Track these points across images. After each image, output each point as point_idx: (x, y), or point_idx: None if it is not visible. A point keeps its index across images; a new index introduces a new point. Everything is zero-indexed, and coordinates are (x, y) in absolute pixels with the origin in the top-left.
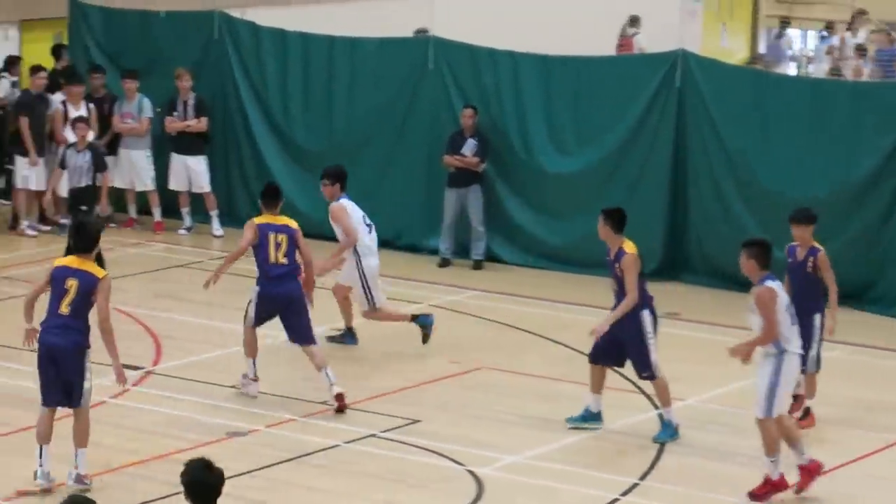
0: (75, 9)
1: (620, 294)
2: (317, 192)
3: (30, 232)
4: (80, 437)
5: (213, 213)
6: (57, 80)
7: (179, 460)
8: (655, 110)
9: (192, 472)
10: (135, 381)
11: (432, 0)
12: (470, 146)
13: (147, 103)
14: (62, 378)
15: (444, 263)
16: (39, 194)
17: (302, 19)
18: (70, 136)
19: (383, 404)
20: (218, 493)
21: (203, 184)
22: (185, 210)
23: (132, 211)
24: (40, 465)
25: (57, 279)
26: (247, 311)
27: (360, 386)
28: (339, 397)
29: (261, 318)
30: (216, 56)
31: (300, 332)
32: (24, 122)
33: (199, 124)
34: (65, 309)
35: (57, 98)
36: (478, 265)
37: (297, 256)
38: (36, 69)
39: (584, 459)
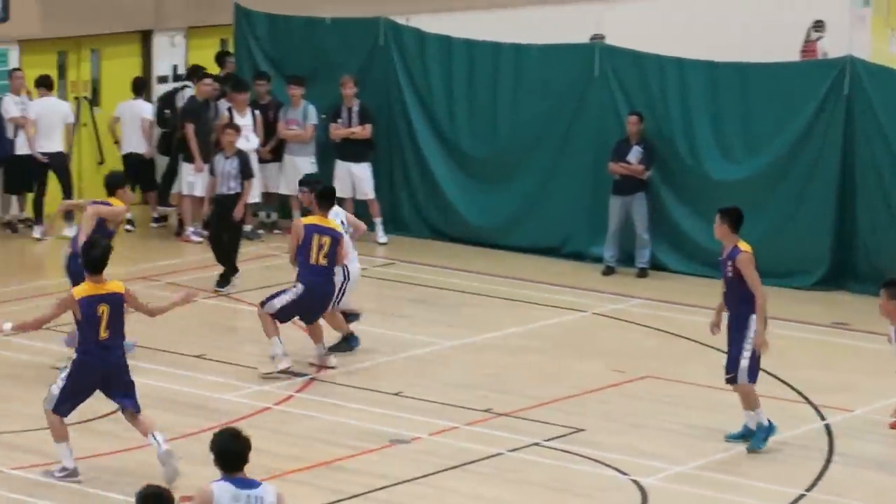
0: (241, 16)
1: (730, 296)
2: (482, 198)
3: (194, 238)
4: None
5: (377, 220)
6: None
7: (343, 468)
8: (823, 117)
9: (220, 441)
10: (298, 387)
11: (602, 6)
12: (635, 153)
13: (312, 110)
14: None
15: (609, 271)
16: (204, 201)
17: (468, 25)
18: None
19: (547, 413)
20: (245, 459)
21: (367, 190)
22: None
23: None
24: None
25: (87, 307)
26: (273, 298)
27: (523, 394)
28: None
29: (288, 313)
30: (381, 63)
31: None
32: (189, 129)
33: (363, 131)
34: (104, 333)
35: (223, 105)
36: (642, 273)
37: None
38: (203, 76)
39: (749, 470)
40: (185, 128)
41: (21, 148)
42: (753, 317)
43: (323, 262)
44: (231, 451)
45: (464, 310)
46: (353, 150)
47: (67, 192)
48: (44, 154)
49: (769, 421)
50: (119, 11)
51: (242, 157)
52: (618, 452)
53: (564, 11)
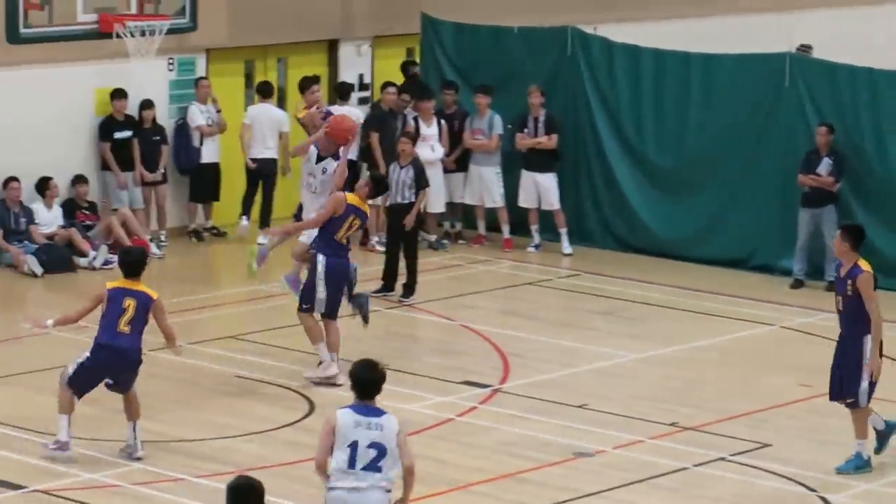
0: (428, 24)
1: (845, 315)
2: (669, 209)
3: (379, 248)
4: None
5: (563, 231)
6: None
7: (526, 480)
8: None
9: (358, 369)
10: (482, 398)
11: (793, 16)
12: (825, 165)
13: (498, 120)
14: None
15: (797, 285)
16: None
17: (656, 35)
18: (421, 151)
19: (733, 427)
20: (377, 389)
21: (552, 201)
22: (534, 227)
23: (481, 227)
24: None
25: (114, 299)
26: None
27: (708, 408)
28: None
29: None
30: (568, 72)
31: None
32: (374, 138)
33: (549, 141)
34: (124, 327)
35: (409, 114)
36: (832, 287)
37: None
38: (386, 85)
39: None
40: (369, 137)
41: (207, 157)
42: (868, 337)
43: (344, 242)
44: (366, 379)
45: (649, 322)
46: (538, 160)
47: (268, 200)
48: (254, 160)
49: (869, 456)
50: (306, 21)
51: (417, 166)
52: (805, 468)
53: (754, 21)
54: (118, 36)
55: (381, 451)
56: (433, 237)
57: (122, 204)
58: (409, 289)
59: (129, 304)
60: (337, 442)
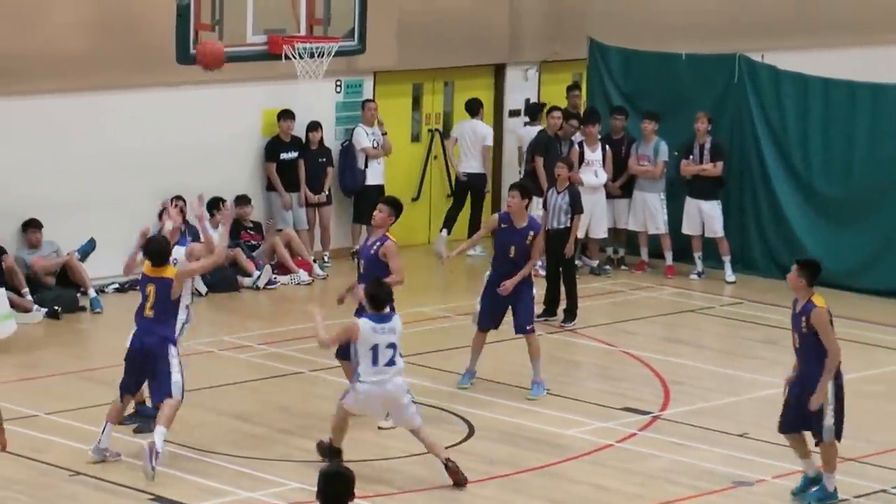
0: (595, 50)
1: (803, 352)
2: (835, 239)
3: (542, 272)
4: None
5: (726, 259)
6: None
7: None
8: None
9: (372, 286)
10: (641, 425)
11: None
12: None
13: (663, 146)
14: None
15: None
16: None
17: (823, 63)
18: (584, 176)
19: (894, 459)
20: (385, 301)
21: (716, 228)
22: (697, 255)
23: (644, 254)
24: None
25: (140, 285)
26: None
27: (869, 440)
28: None
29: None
30: (735, 99)
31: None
32: (538, 162)
33: (714, 169)
34: (149, 311)
35: (575, 138)
36: None
37: None
38: (552, 109)
39: None
40: (534, 161)
41: (371, 179)
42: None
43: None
44: (377, 294)
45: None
46: (703, 187)
47: (477, 213)
48: (466, 174)
49: (835, 489)
50: (474, 45)
51: (573, 191)
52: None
53: None
54: (287, 57)
55: (395, 347)
56: (595, 263)
57: (287, 224)
58: (570, 314)
59: (150, 290)
60: (361, 348)
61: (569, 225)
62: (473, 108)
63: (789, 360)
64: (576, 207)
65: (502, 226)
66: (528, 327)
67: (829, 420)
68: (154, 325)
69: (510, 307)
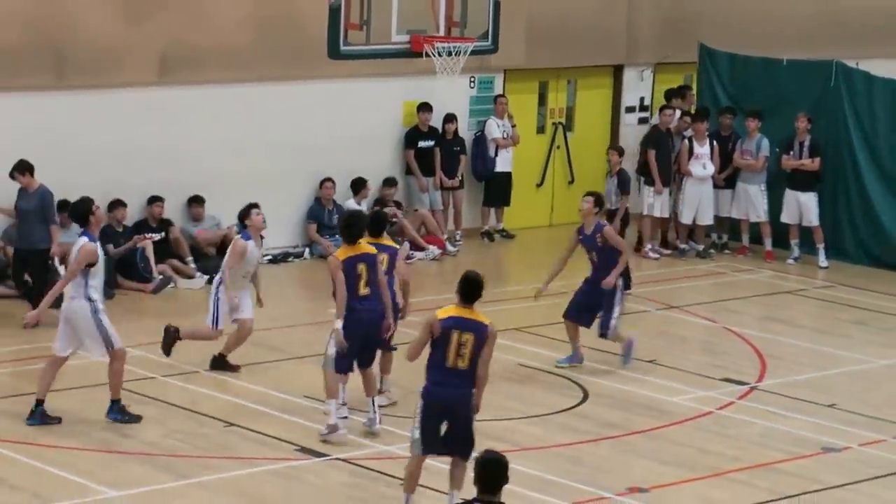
0: (705, 54)
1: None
2: None
3: (652, 255)
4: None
5: (820, 246)
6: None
7: (779, 470)
8: None
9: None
10: (740, 394)
11: None
12: None
13: (765, 143)
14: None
15: None
16: (663, 221)
17: None
18: (693, 168)
19: None
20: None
21: (812, 218)
22: (794, 241)
23: (745, 240)
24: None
25: (349, 266)
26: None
27: None
28: None
29: None
30: (832, 101)
31: None
32: (651, 155)
33: (812, 164)
34: (364, 289)
35: (686, 134)
36: None
37: None
38: (664, 107)
39: None
40: (647, 154)
41: (501, 166)
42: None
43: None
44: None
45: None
46: (801, 181)
47: None
48: None
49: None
50: (595, 46)
51: (623, 175)
52: None
53: None
54: (427, 55)
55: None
56: (701, 247)
57: (424, 206)
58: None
59: (362, 269)
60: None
61: (618, 206)
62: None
63: (878, 339)
64: (624, 189)
65: (579, 237)
66: (605, 331)
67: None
68: (372, 303)
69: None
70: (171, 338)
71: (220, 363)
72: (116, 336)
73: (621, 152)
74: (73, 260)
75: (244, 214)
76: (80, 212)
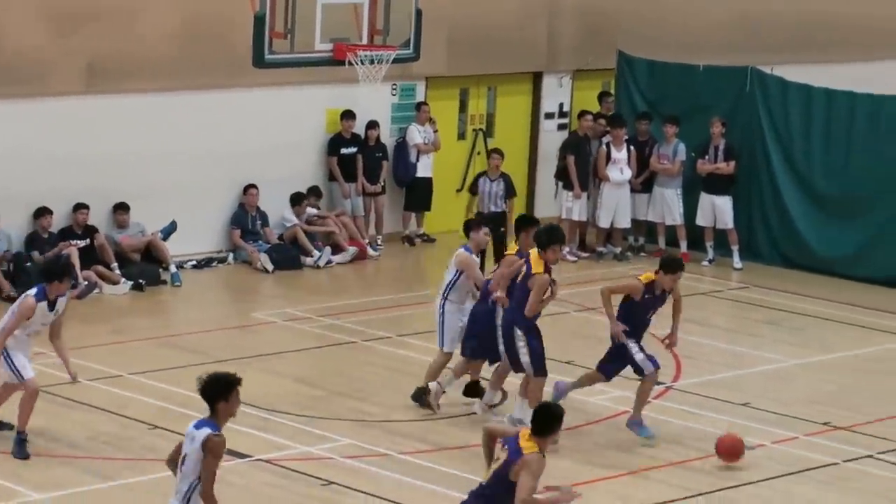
0: (623, 61)
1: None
2: (832, 231)
3: (570, 258)
4: None
5: (735, 248)
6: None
7: (694, 468)
8: None
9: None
10: (656, 394)
11: None
12: None
13: (682, 147)
14: None
15: None
16: (581, 224)
17: (826, 76)
18: (611, 173)
19: (882, 428)
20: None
21: (727, 221)
22: (709, 244)
23: (661, 242)
24: None
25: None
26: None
27: (860, 410)
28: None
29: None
30: (747, 107)
31: None
32: (570, 161)
33: (727, 167)
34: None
35: (604, 140)
36: None
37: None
38: (582, 113)
39: None
40: (566, 159)
41: (422, 171)
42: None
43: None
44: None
45: (810, 332)
46: (716, 184)
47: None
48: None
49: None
50: (515, 54)
51: (506, 179)
52: None
53: None
54: (350, 63)
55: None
56: (618, 250)
57: (346, 210)
58: None
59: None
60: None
61: (504, 209)
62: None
63: (790, 339)
64: (509, 192)
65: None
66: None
67: (524, 358)
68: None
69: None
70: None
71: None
72: (27, 369)
73: (502, 155)
74: (13, 312)
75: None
76: (51, 270)
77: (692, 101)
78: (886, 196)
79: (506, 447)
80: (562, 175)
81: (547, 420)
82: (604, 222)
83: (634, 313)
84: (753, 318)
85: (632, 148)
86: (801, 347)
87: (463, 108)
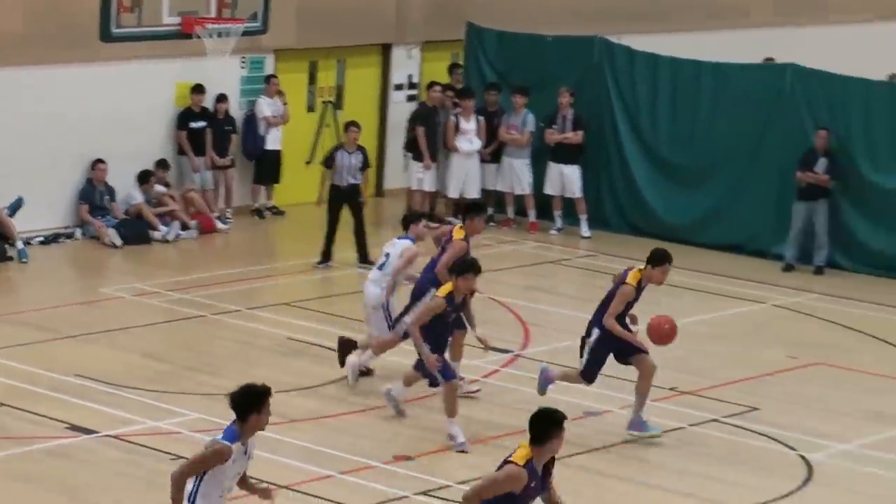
0: (472, 32)
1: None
2: (678, 199)
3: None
4: None
5: (583, 217)
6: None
7: None
8: None
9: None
10: (504, 362)
11: (786, 31)
12: (822, 164)
13: (530, 118)
14: None
15: (788, 268)
16: (431, 195)
17: (673, 45)
18: (460, 143)
19: (726, 392)
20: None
21: (575, 190)
22: (557, 213)
23: (510, 212)
24: None
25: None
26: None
27: (706, 375)
28: None
29: None
30: (595, 76)
31: None
32: (420, 132)
33: (575, 137)
34: None
35: (453, 111)
36: (819, 271)
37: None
38: (432, 84)
39: None
40: (415, 130)
41: (271, 144)
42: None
43: None
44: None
45: (657, 299)
46: (564, 153)
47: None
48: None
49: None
50: (363, 26)
51: (364, 151)
52: (788, 430)
53: (762, 34)
54: (198, 37)
55: None
56: None
57: (195, 185)
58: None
59: None
60: None
61: (360, 180)
62: None
63: (637, 305)
64: (365, 165)
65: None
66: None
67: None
68: None
69: None
70: None
71: None
72: None
73: (359, 127)
74: None
75: None
76: None
77: (541, 72)
78: (730, 164)
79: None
80: (411, 146)
81: (543, 426)
82: (453, 192)
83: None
84: (601, 286)
85: (481, 118)
86: (649, 314)
87: (312, 80)
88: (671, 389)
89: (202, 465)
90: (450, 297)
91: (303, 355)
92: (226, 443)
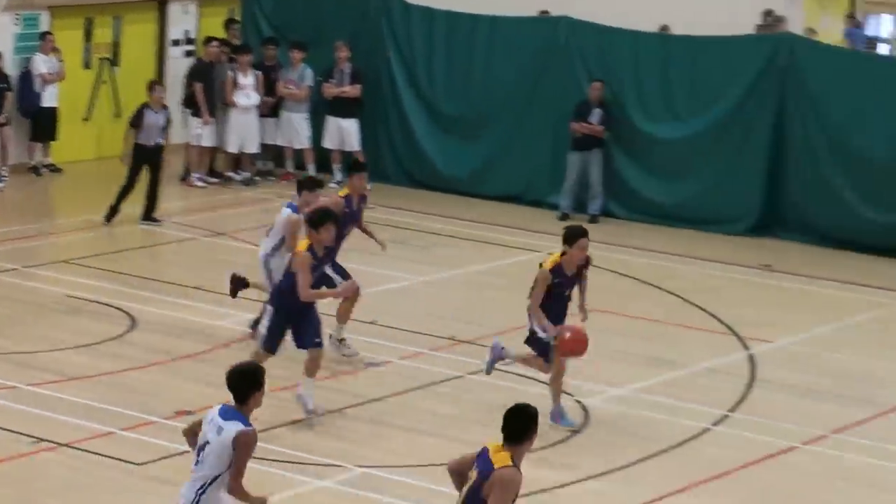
0: None
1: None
2: (456, 151)
3: (199, 183)
4: None
5: None
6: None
7: (322, 386)
8: (761, 85)
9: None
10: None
11: None
12: (596, 115)
13: (308, 72)
14: None
15: (564, 217)
16: (210, 150)
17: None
18: (237, 99)
19: (504, 340)
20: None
21: (354, 143)
22: (336, 166)
23: (289, 166)
24: None
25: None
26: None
27: (483, 324)
28: None
29: None
30: (371, 30)
31: None
32: (198, 88)
33: (353, 90)
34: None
35: (230, 66)
36: (594, 219)
37: None
38: (209, 40)
39: (682, 393)
40: (193, 86)
41: (47, 101)
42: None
43: None
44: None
45: (435, 250)
46: (343, 107)
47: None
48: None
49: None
50: None
51: (167, 112)
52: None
53: None
54: None
55: None
56: (248, 174)
57: None
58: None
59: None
60: None
61: (164, 140)
62: None
63: (414, 257)
64: (168, 125)
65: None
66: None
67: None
68: None
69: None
70: None
71: None
72: None
73: (163, 86)
74: None
75: None
76: None
77: (318, 26)
78: (506, 116)
79: (476, 466)
80: (190, 102)
81: (520, 423)
82: (232, 147)
83: (551, 301)
84: (379, 238)
85: (258, 73)
86: (427, 265)
87: (88, 37)
88: (449, 339)
89: (246, 463)
90: (311, 249)
91: (81, 312)
92: (250, 429)
